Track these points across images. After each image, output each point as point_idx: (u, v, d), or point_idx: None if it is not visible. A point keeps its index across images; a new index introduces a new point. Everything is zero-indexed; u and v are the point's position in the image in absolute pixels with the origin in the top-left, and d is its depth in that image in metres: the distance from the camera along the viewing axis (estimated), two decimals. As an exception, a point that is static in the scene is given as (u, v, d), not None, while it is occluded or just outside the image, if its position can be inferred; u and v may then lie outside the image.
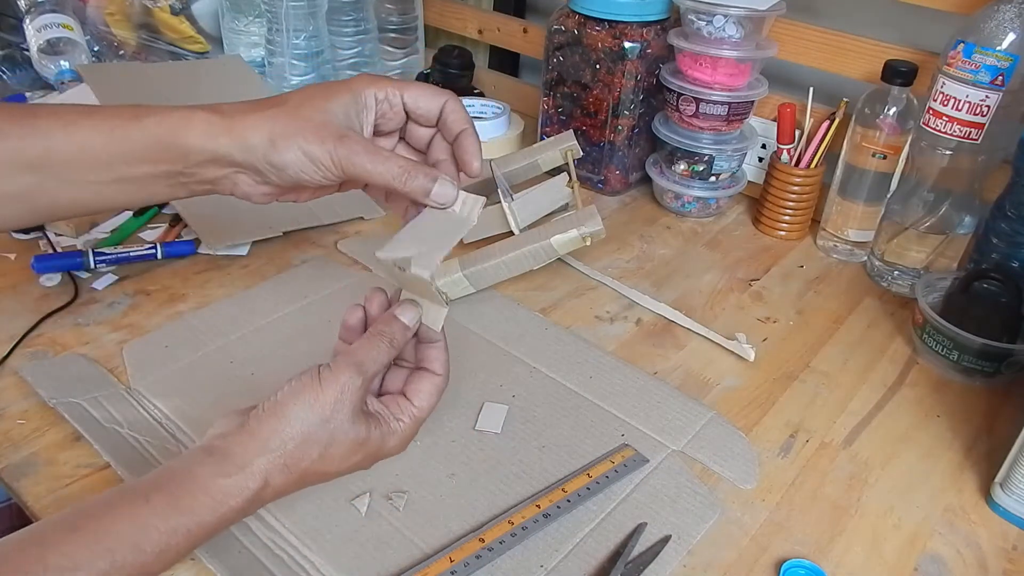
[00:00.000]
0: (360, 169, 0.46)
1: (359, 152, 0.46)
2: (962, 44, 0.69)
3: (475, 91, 1.16)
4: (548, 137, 0.92)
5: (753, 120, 0.93)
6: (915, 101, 0.78)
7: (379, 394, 0.50)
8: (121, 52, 1.07)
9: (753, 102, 0.88)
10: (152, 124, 0.46)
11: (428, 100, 0.49)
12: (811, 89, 0.86)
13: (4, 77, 1.02)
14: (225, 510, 0.41)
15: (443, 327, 0.50)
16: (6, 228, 0.56)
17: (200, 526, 0.41)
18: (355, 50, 1.11)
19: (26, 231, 0.78)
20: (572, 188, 0.83)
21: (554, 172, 0.86)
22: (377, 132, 0.51)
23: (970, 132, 0.71)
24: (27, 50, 1.00)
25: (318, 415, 0.44)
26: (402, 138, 0.53)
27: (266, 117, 0.46)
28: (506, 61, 1.28)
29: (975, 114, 0.70)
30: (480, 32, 1.21)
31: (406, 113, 0.50)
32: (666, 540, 0.52)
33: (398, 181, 0.46)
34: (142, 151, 0.47)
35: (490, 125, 1.04)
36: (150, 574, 0.40)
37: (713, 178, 0.91)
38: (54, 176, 0.47)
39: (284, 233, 0.81)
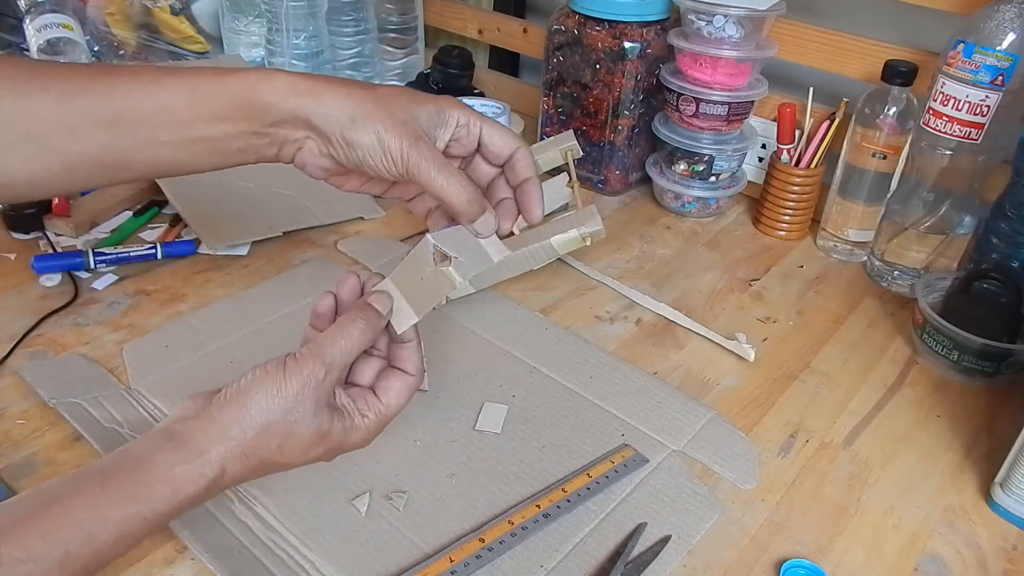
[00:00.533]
0: (426, 174, 0.46)
1: (429, 158, 0.46)
2: (962, 44, 0.69)
3: (475, 91, 1.16)
4: (548, 137, 0.92)
5: (753, 120, 0.93)
6: (915, 101, 0.78)
7: (348, 384, 0.50)
8: (121, 52, 1.07)
9: (753, 102, 0.88)
10: (235, 81, 0.46)
11: (503, 140, 0.51)
12: (811, 89, 0.86)
13: (4, 77, 1.02)
14: (182, 497, 0.41)
15: (416, 327, 0.49)
16: (74, 189, 0.57)
17: (156, 514, 0.41)
18: (355, 50, 1.11)
19: (26, 231, 0.78)
20: (572, 188, 0.83)
21: (554, 172, 0.85)
22: (446, 153, 0.51)
23: (970, 132, 0.71)
24: (27, 50, 1.00)
25: (279, 406, 0.43)
26: (463, 169, 0.53)
27: (352, 95, 0.46)
28: (506, 61, 1.28)
29: (975, 114, 0.70)
30: (480, 32, 1.21)
31: (479, 146, 0.51)
32: (666, 540, 0.52)
33: (458, 197, 0.47)
34: (223, 108, 0.47)
35: (490, 125, 1.04)
36: (106, 560, 0.40)
37: (713, 178, 0.91)
38: (131, 135, 0.47)
39: (284, 233, 0.81)
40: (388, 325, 0.48)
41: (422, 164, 0.46)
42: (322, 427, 0.45)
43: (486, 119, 0.51)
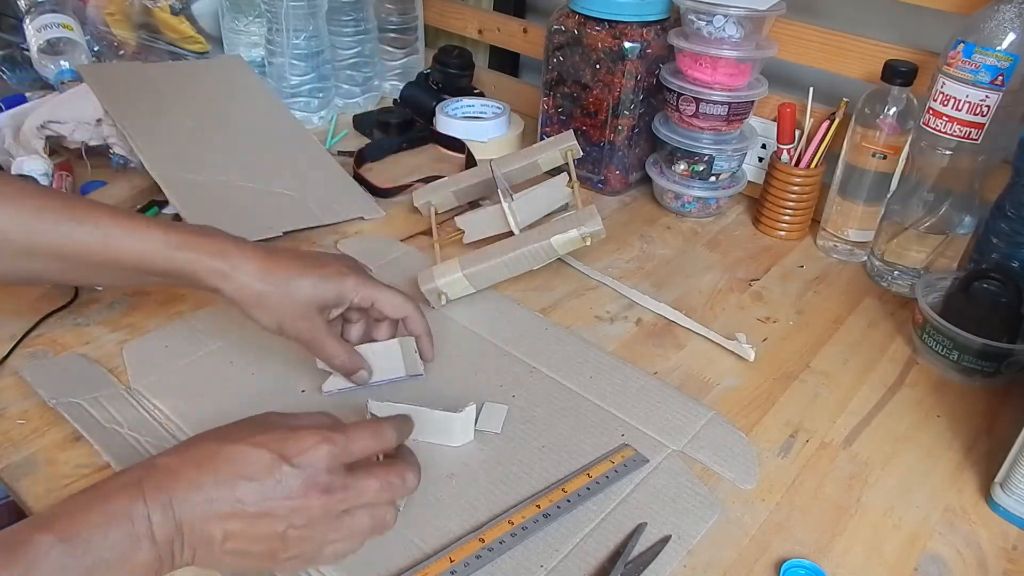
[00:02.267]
0: (312, 345, 0.58)
1: (316, 336, 0.58)
2: (962, 44, 0.69)
3: (475, 91, 1.16)
4: (548, 137, 0.92)
5: (753, 120, 0.93)
6: (915, 101, 0.78)
7: None
8: (121, 52, 1.07)
9: (753, 102, 0.88)
10: (179, 261, 0.55)
11: (392, 310, 0.60)
12: (811, 89, 0.86)
13: (4, 77, 1.02)
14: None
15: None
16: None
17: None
18: (355, 50, 1.11)
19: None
20: (572, 188, 0.83)
21: (554, 172, 0.86)
22: (345, 315, 0.62)
23: (970, 132, 0.71)
24: (27, 50, 1.00)
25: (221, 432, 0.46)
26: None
27: (263, 294, 0.56)
28: (506, 61, 1.28)
29: (975, 114, 0.70)
30: (480, 32, 1.21)
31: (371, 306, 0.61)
32: (666, 540, 0.52)
33: (335, 362, 0.59)
34: (163, 274, 0.56)
35: (490, 125, 1.04)
36: None
37: (713, 178, 0.91)
38: (82, 270, 0.56)
39: (284, 233, 0.81)
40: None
41: (310, 340, 0.58)
42: (267, 420, 0.47)
43: (382, 290, 0.60)
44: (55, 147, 0.88)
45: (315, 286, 0.57)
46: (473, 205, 0.90)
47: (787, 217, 0.89)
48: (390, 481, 0.46)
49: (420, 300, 0.72)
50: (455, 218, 0.85)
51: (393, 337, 0.64)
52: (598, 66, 0.90)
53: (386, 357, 0.63)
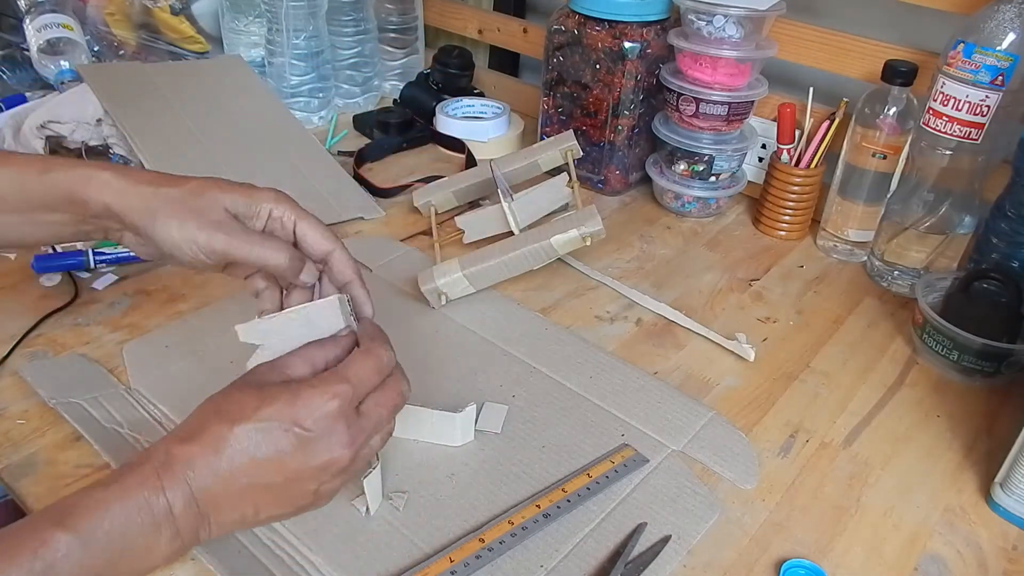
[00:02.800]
0: (239, 251, 0.48)
1: (238, 236, 0.48)
2: (962, 44, 0.69)
3: (475, 91, 1.16)
4: (548, 137, 0.92)
5: (753, 120, 0.93)
6: (915, 101, 0.78)
7: None
8: (121, 52, 1.06)
9: (753, 102, 0.88)
10: (57, 178, 0.50)
11: (316, 239, 0.51)
12: (811, 89, 0.86)
13: (4, 77, 1.02)
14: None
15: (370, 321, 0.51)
16: None
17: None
18: (355, 50, 1.11)
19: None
20: (572, 188, 0.83)
21: (554, 172, 0.85)
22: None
23: (970, 132, 0.71)
24: (27, 50, 1.00)
25: (222, 398, 0.45)
26: None
27: (157, 193, 0.49)
28: (506, 61, 1.28)
29: (975, 114, 0.70)
30: (480, 32, 1.21)
31: (295, 240, 0.52)
32: (666, 540, 0.52)
33: (276, 260, 0.49)
34: (49, 201, 0.50)
35: (490, 125, 1.04)
36: None
37: (713, 178, 0.91)
38: None
39: (284, 233, 0.81)
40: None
41: (232, 243, 0.48)
42: (263, 382, 0.45)
43: (305, 215, 0.51)
44: (55, 147, 0.88)
45: (221, 187, 0.50)
46: (473, 205, 0.90)
47: (787, 217, 0.89)
48: (395, 404, 0.47)
49: (420, 300, 0.73)
50: (455, 218, 0.85)
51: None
52: (598, 66, 0.90)
53: (326, 319, 0.51)
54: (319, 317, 0.49)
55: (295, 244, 0.51)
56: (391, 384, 0.48)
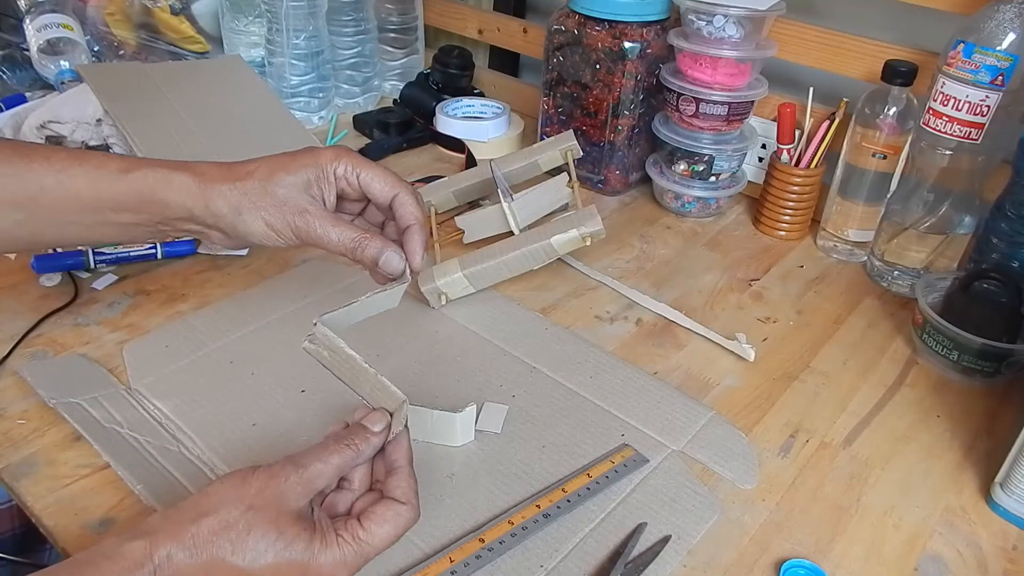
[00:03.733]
0: (317, 238, 0.50)
1: (316, 224, 0.50)
2: (962, 44, 0.69)
3: (475, 91, 1.16)
4: (548, 137, 0.92)
5: (753, 120, 0.93)
6: (915, 101, 0.78)
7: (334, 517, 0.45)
8: (121, 52, 1.06)
9: (753, 102, 0.88)
10: (137, 179, 0.51)
11: (381, 187, 0.52)
12: (811, 89, 0.86)
13: (4, 77, 1.02)
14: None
15: (408, 445, 0.46)
16: None
17: None
18: (355, 50, 1.11)
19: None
20: (572, 188, 0.83)
21: (554, 172, 0.85)
22: (341, 207, 0.55)
23: (970, 132, 0.71)
24: (27, 50, 1.00)
25: (237, 496, 0.40)
26: (363, 213, 0.57)
27: (235, 189, 0.50)
28: (506, 61, 1.28)
29: (975, 114, 0.70)
30: (480, 32, 1.21)
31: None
32: (666, 540, 0.52)
33: (351, 248, 0.51)
34: (126, 202, 0.51)
35: (490, 125, 1.04)
36: None
37: (713, 178, 0.91)
38: (41, 216, 0.51)
39: (284, 233, 0.81)
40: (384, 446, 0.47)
41: (312, 232, 0.50)
42: (285, 532, 0.40)
43: (366, 164, 0.52)
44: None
45: (285, 166, 0.51)
46: (473, 205, 0.90)
47: (787, 217, 0.89)
48: (397, 535, 0.44)
49: (420, 300, 0.73)
50: (455, 218, 0.85)
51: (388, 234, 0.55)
52: (598, 66, 0.90)
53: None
54: (384, 299, 0.51)
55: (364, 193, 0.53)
56: (396, 514, 0.44)
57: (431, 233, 0.83)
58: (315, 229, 0.50)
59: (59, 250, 0.76)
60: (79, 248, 0.75)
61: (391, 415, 0.47)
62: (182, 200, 0.51)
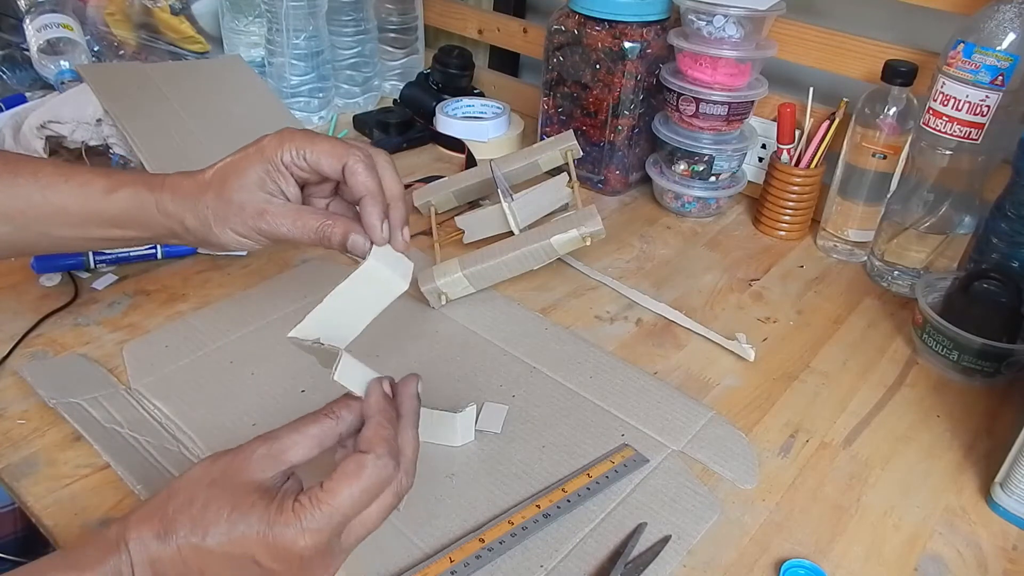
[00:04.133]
0: (283, 236, 0.49)
1: (277, 222, 0.49)
2: (962, 44, 0.69)
3: (475, 91, 1.16)
4: (548, 137, 0.92)
5: (753, 120, 0.93)
6: (915, 101, 0.78)
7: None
8: (121, 52, 1.06)
9: (753, 102, 0.88)
10: (120, 199, 0.52)
11: (329, 161, 0.49)
12: (811, 89, 0.86)
13: (4, 77, 1.02)
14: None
15: (379, 398, 0.43)
16: None
17: None
18: (355, 50, 1.11)
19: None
20: (572, 188, 0.83)
21: (554, 172, 0.85)
22: (308, 187, 0.52)
23: (970, 132, 0.71)
24: (27, 50, 1.00)
25: (204, 473, 0.40)
26: (337, 192, 0.53)
27: (200, 203, 0.50)
28: (506, 61, 1.28)
29: (975, 114, 0.70)
30: (480, 32, 1.21)
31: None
32: (666, 540, 0.52)
33: (318, 238, 0.49)
34: (111, 219, 0.53)
35: (490, 125, 1.04)
36: None
37: (713, 178, 0.91)
38: (30, 228, 0.53)
39: (284, 233, 0.81)
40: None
41: (273, 230, 0.49)
42: (240, 504, 0.38)
43: (314, 142, 0.49)
44: (55, 147, 0.88)
45: (236, 168, 0.49)
46: (473, 205, 0.90)
47: (787, 217, 0.89)
48: (387, 514, 0.41)
49: (420, 300, 0.73)
50: (455, 218, 0.85)
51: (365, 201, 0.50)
52: (598, 66, 0.90)
53: (375, 283, 0.49)
54: (365, 284, 0.48)
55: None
56: (389, 491, 0.41)
57: (431, 233, 0.83)
58: (278, 228, 0.49)
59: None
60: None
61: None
62: (162, 220, 0.52)
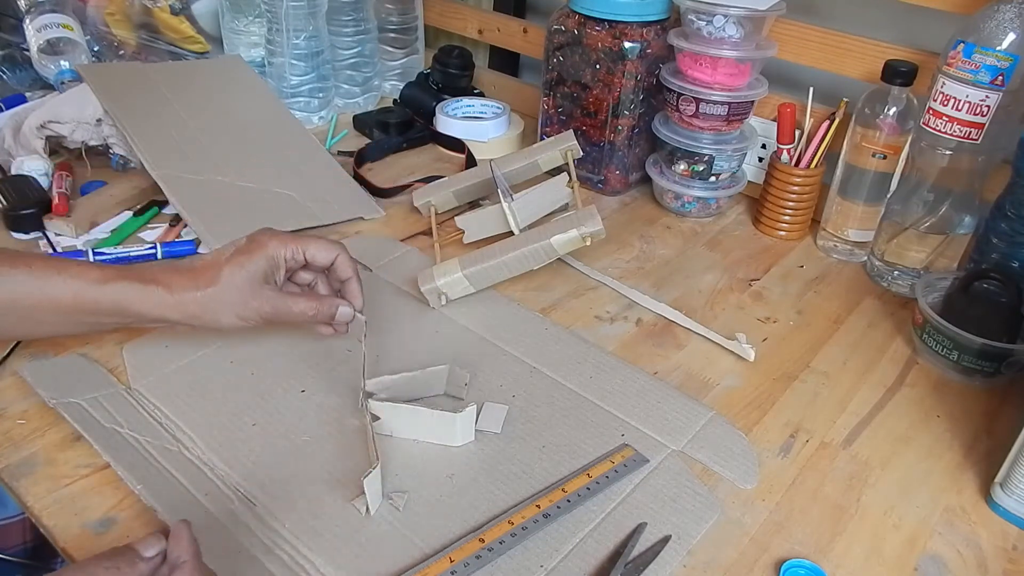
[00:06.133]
0: (284, 316, 0.59)
1: (280, 305, 0.59)
2: (962, 44, 0.69)
3: (475, 91, 1.16)
4: (548, 137, 0.92)
5: (753, 120, 0.93)
6: (915, 101, 0.78)
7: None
8: (121, 52, 1.07)
9: (753, 102, 0.88)
10: (114, 291, 0.56)
11: (324, 255, 0.61)
12: (811, 89, 0.86)
13: (4, 77, 1.02)
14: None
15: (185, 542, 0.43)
16: None
17: None
18: (355, 50, 1.11)
19: (26, 231, 0.78)
20: (572, 188, 0.83)
21: (554, 172, 0.85)
22: (293, 279, 0.63)
23: (970, 132, 0.71)
24: (27, 50, 1.00)
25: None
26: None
27: (205, 295, 0.57)
28: (506, 61, 1.28)
29: (975, 114, 0.70)
30: (480, 32, 1.21)
31: (306, 262, 0.61)
32: (666, 540, 0.52)
33: (313, 315, 0.60)
34: (103, 309, 0.56)
35: (490, 125, 1.04)
36: None
37: (713, 178, 0.91)
38: (17, 316, 0.56)
39: (284, 233, 0.81)
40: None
41: (277, 313, 0.59)
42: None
43: (309, 242, 0.61)
44: (55, 147, 0.89)
45: (243, 264, 0.58)
46: (473, 205, 0.90)
47: (787, 217, 0.89)
48: None
49: (420, 300, 0.73)
50: (455, 218, 0.85)
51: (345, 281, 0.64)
52: (598, 66, 0.90)
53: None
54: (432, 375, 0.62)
55: (307, 264, 0.61)
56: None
57: (431, 233, 0.83)
58: (282, 310, 0.59)
59: (59, 250, 0.76)
60: (79, 248, 0.75)
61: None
62: (158, 312, 0.57)
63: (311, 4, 1.00)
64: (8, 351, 0.63)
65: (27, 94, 0.98)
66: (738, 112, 0.87)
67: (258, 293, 0.58)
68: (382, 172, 0.98)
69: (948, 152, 0.73)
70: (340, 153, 1.00)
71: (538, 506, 0.53)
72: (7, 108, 0.92)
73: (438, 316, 0.72)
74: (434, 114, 1.06)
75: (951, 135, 0.72)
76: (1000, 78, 0.68)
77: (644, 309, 0.76)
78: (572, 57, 0.92)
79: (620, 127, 0.92)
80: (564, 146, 0.85)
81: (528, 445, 0.59)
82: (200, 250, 0.77)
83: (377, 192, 0.92)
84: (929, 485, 0.59)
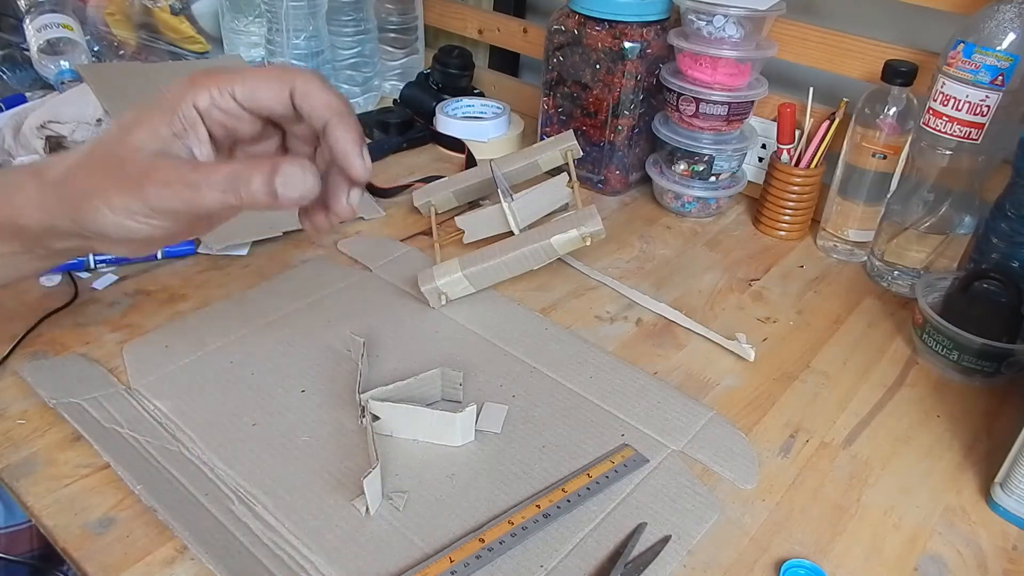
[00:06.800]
0: (180, 203, 0.36)
1: (170, 182, 0.36)
2: (962, 44, 0.69)
3: (475, 91, 1.16)
4: (548, 137, 0.92)
5: (753, 120, 0.93)
6: (915, 101, 0.78)
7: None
8: (121, 52, 1.07)
9: (753, 102, 0.88)
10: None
11: (267, 90, 0.38)
12: (811, 89, 0.86)
13: (4, 77, 1.02)
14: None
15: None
16: None
17: None
18: (355, 50, 1.11)
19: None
20: (572, 188, 0.83)
21: (554, 172, 0.86)
22: (237, 144, 0.41)
23: (970, 132, 0.71)
24: (27, 50, 1.00)
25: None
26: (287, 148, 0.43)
27: (76, 178, 0.38)
28: (506, 61, 1.28)
29: (975, 114, 0.70)
30: (480, 32, 1.21)
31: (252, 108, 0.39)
32: (666, 540, 0.52)
33: (230, 195, 0.36)
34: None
35: (490, 125, 1.04)
36: None
37: (713, 178, 0.91)
38: None
39: (284, 233, 0.81)
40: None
41: (172, 196, 0.36)
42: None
43: (236, 74, 0.38)
44: (55, 147, 0.88)
45: (127, 128, 0.38)
46: (473, 205, 0.90)
47: (787, 217, 0.89)
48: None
49: (420, 300, 0.73)
50: (455, 218, 0.85)
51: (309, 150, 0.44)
52: (598, 66, 0.90)
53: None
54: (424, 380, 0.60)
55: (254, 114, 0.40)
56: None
57: (431, 233, 0.83)
58: (169, 188, 0.36)
59: (59, 250, 0.76)
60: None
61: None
62: (31, 219, 0.40)
63: (311, 4, 1.00)
64: (8, 351, 0.63)
65: (27, 94, 0.98)
66: (738, 112, 0.87)
67: (135, 173, 0.36)
68: (382, 172, 0.98)
69: (948, 152, 0.73)
70: (340, 153, 1.00)
71: (538, 506, 0.53)
72: (7, 108, 0.92)
73: (438, 316, 0.72)
74: (434, 114, 1.06)
75: (951, 135, 0.72)
76: (1000, 78, 0.68)
77: (644, 309, 0.76)
78: (572, 57, 0.92)
79: (620, 127, 0.92)
80: (564, 146, 0.85)
81: (528, 445, 0.59)
82: (200, 250, 0.77)
83: (377, 192, 0.92)
84: (929, 485, 0.59)
